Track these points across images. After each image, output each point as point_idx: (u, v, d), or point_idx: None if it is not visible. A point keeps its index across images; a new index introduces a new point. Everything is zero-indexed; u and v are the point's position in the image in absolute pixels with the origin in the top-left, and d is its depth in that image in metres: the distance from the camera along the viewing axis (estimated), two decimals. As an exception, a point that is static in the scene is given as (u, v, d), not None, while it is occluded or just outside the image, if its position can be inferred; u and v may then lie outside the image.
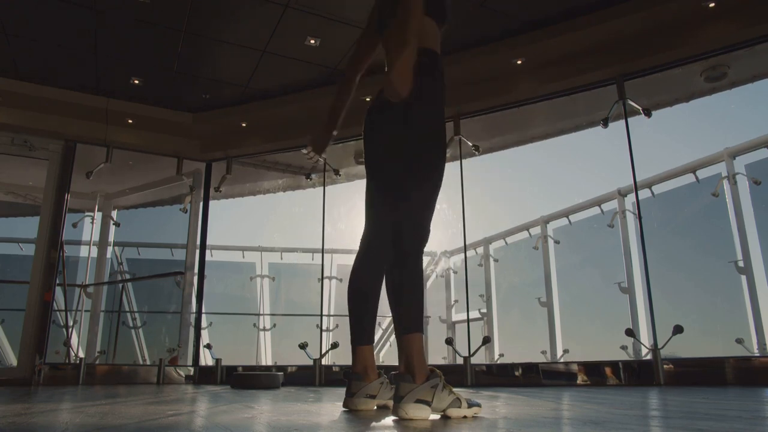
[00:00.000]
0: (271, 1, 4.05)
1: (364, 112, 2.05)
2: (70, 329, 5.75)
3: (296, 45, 4.61)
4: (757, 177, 4.74)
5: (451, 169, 5.21)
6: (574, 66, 4.51)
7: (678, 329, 3.81)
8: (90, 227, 6.43)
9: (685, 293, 5.17)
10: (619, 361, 4.12)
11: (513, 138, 5.74)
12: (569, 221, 6.36)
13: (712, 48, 4.11)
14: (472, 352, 4.51)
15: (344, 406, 1.93)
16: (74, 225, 6.09)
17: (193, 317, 5.77)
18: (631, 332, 4.40)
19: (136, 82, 5.20)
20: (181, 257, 6.05)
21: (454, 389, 1.69)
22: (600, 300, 6.08)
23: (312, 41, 4.55)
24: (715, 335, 4.99)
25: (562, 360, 5.75)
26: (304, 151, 2.25)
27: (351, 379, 1.94)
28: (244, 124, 5.73)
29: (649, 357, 3.95)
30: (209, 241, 6.00)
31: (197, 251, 5.90)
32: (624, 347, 5.08)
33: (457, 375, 4.40)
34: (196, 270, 5.85)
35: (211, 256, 6.58)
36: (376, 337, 5.49)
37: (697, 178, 5.14)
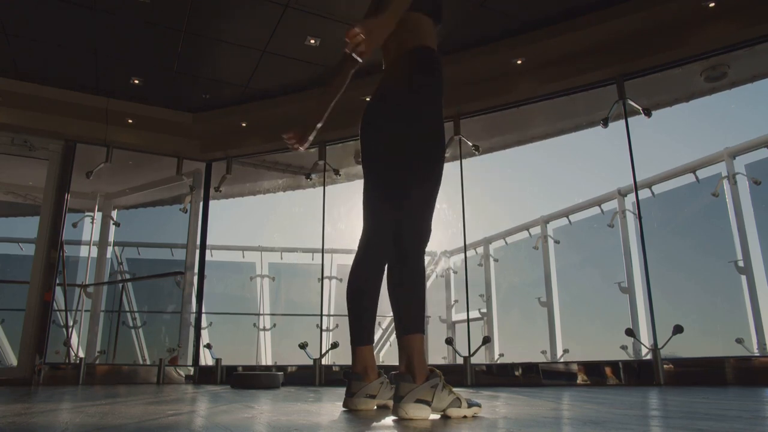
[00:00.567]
0: (271, 1, 4.05)
1: (363, 111, 2.04)
2: (70, 329, 5.75)
3: (296, 45, 4.61)
4: (757, 177, 4.74)
5: (451, 169, 5.22)
6: (574, 66, 4.51)
7: (678, 329, 3.81)
8: (90, 227, 6.43)
9: (685, 293, 5.17)
10: (619, 361, 4.12)
11: (513, 138, 5.74)
12: (569, 221, 6.36)
13: (712, 48, 4.11)
14: (472, 352, 4.51)
15: (344, 406, 1.93)
16: (74, 225, 6.09)
17: (193, 317, 5.77)
18: (631, 332, 4.40)
19: (136, 82, 5.20)
20: (181, 257, 6.05)
21: (454, 389, 1.69)
22: (600, 300, 6.08)
23: (312, 41, 4.55)
24: (715, 335, 4.99)
25: (562, 360, 5.75)
26: (285, 136, 2.20)
27: (351, 379, 1.94)
28: (244, 124, 5.73)
29: (649, 357, 3.95)
30: (209, 241, 6.01)
31: (197, 251, 5.90)
32: (624, 347, 5.08)
33: (457, 375, 4.40)
34: (196, 270, 5.85)
35: (211, 256, 6.59)
36: (376, 337, 5.50)
37: (697, 178, 5.14)
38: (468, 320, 5.13)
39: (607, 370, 4.08)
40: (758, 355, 4.42)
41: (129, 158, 5.90)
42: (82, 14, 4.21)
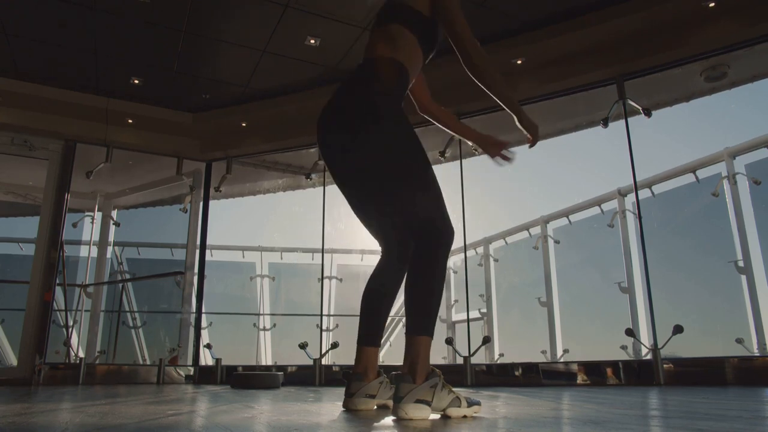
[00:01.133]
0: (271, 1, 4.05)
1: (320, 119, 1.99)
2: (70, 329, 5.75)
3: (296, 45, 4.61)
4: (757, 177, 4.74)
5: (451, 169, 5.22)
6: (574, 66, 4.51)
7: (678, 329, 3.81)
8: (90, 227, 6.43)
9: (685, 293, 5.17)
10: (619, 361, 4.12)
11: (513, 138, 5.72)
12: (569, 221, 6.36)
13: (712, 48, 4.11)
14: (472, 352, 4.51)
15: (344, 406, 1.93)
16: (74, 225, 6.09)
17: (193, 317, 5.77)
18: (631, 332, 4.40)
19: (136, 81, 5.20)
20: (181, 257, 6.05)
21: (454, 389, 1.69)
22: (600, 300, 6.08)
23: (312, 41, 4.55)
24: (715, 335, 4.99)
25: (562, 360, 5.75)
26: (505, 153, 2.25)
27: (351, 380, 1.94)
28: (244, 124, 5.73)
29: (649, 357, 3.95)
30: (209, 241, 6.00)
31: (197, 251, 5.90)
32: (624, 347, 5.08)
33: (457, 375, 4.40)
34: (196, 270, 5.85)
35: (211, 255, 6.58)
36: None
37: (697, 178, 5.14)
38: (468, 320, 5.13)
39: (607, 370, 4.08)
40: (758, 355, 4.42)
41: (129, 158, 5.90)
42: (82, 14, 4.21)
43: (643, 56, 4.28)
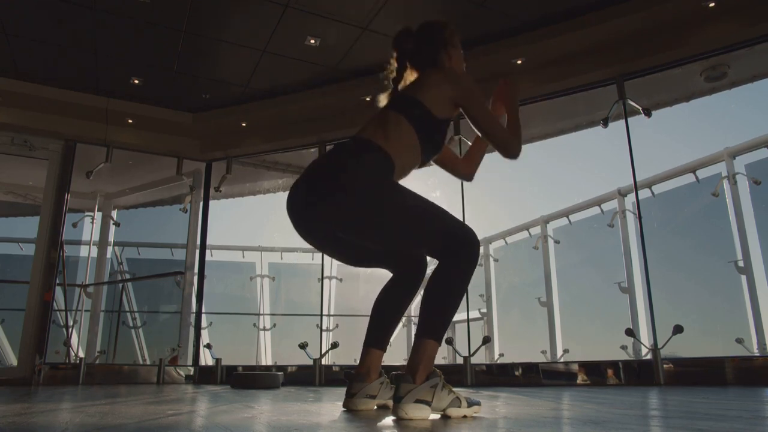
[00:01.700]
0: (271, 1, 4.05)
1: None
2: (70, 329, 5.75)
3: (296, 45, 4.61)
4: (757, 177, 4.74)
5: (451, 169, 5.20)
6: (574, 66, 4.51)
7: (678, 329, 3.81)
8: (90, 227, 6.43)
9: (685, 293, 5.17)
10: (619, 360, 4.12)
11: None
12: (569, 221, 6.36)
13: (712, 48, 4.11)
14: (472, 352, 4.51)
15: (344, 406, 1.93)
16: (74, 225, 6.09)
17: (193, 317, 5.76)
18: (631, 332, 4.40)
19: (136, 81, 5.19)
20: (181, 257, 6.04)
21: (454, 389, 1.69)
22: (600, 300, 6.08)
23: (312, 41, 4.55)
24: (715, 335, 4.99)
25: (562, 360, 5.75)
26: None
27: (352, 380, 1.94)
28: (244, 124, 5.72)
29: (649, 357, 3.95)
30: (209, 241, 6.00)
31: (197, 251, 5.90)
32: (624, 347, 5.08)
33: (457, 375, 4.40)
34: (196, 270, 5.85)
35: (211, 255, 6.58)
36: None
37: (697, 178, 5.14)
38: (468, 320, 5.13)
39: (607, 370, 4.08)
40: (758, 355, 4.42)
41: (129, 158, 5.90)
42: (82, 14, 4.21)
43: (643, 56, 4.28)
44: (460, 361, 4.56)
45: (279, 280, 7.80)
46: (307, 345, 4.98)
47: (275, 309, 7.69)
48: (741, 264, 4.69)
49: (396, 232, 1.79)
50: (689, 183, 5.21)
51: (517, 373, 4.38)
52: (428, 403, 1.59)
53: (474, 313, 6.82)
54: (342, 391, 2.05)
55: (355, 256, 2.02)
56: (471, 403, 1.68)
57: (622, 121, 4.43)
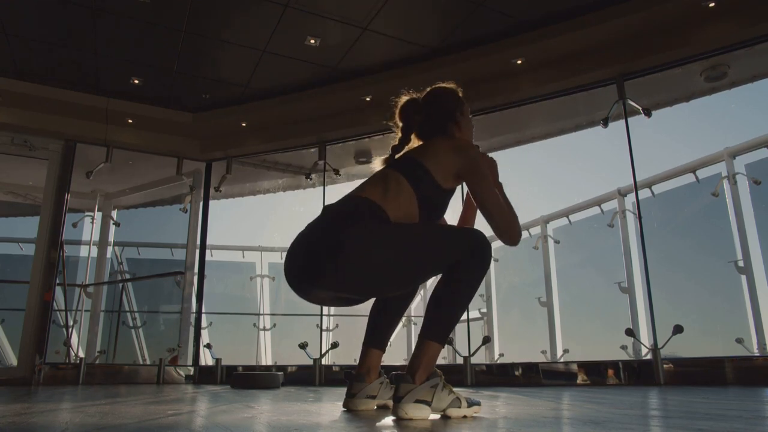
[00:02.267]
0: (270, 1, 4.05)
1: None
2: (70, 329, 5.75)
3: (296, 45, 4.61)
4: (757, 177, 4.74)
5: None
6: (574, 66, 4.51)
7: (678, 329, 3.81)
8: (90, 227, 6.43)
9: (685, 293, 5.17)
10: (619, 360, 4.12)
11: (513, 138, 5.74)
12: (569, 221, 6.36)
13: (712, 48, 4.11)
14: (472, 352, 4.51)
15: (344, 406, 1.93)
16: (74, 225, 6.09)
17: (193, 317, 5.76)
18: (631, 332, 4.40)
19: (136, 81, 5.19)
20: (181, 257, 6.05)
21: (454, 389, 1.69)
22: (600, 300, 6.08)
23: (312, 41, 4.55)
24: (715, 335, 4.99)
25: (562, 360, 5.75)
26: None
27: (352, 380, 1.94)
28: (244, 124, 5.72)
29: (649, 357, 3.95)
30: (209, 241, 6.00)
31: (197, 251, 5.90)
32: (624, 347, 5.08)
33: (457, 375, 4.40)
34: (196, 270, 5.85)
35: (211, 255, 6.59)
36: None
37: (697, 177, 5.14)
38: (468, 320, 5.13)
39: (607, 370, 4.08)
40: (758, 355, 4.42)
41: (129, 158, 5.90)
42: (81, 14, 4.21)
43: (643, 56, 4.28)
44: (460, 361, 4.56)
45: (279, 280, 7.79)
46: (307, 345, 4.98)
47: (275, 309, 7.69)
48: (741, 264, 4.69)
49: (404, 274, 1.73)
50: (689, 183, 5.21)
51: (517, 373, 4.38)
52: (428, 404, 1.59)
53: (474, 313, 6.82)
54: (342, 391, 2.05)
55: (365, 299, 1.95)
56: (471, 403, 1.68)
57: (622, 121, 4.43)
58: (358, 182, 1.88)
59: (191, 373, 5.50)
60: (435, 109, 1.99)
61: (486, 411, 1.80)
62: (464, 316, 5.14)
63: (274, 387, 4.21)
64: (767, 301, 4.54)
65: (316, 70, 5.01)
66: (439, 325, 1.68)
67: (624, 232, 5.57)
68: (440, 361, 6.41)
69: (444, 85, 2.05)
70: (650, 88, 4.63)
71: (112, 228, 6.66)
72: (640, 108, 4.42)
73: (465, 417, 1.63)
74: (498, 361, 6.21)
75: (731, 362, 3.67)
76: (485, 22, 4.36)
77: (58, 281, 5.22)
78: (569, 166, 7.42)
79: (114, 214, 6.73)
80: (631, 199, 5.40)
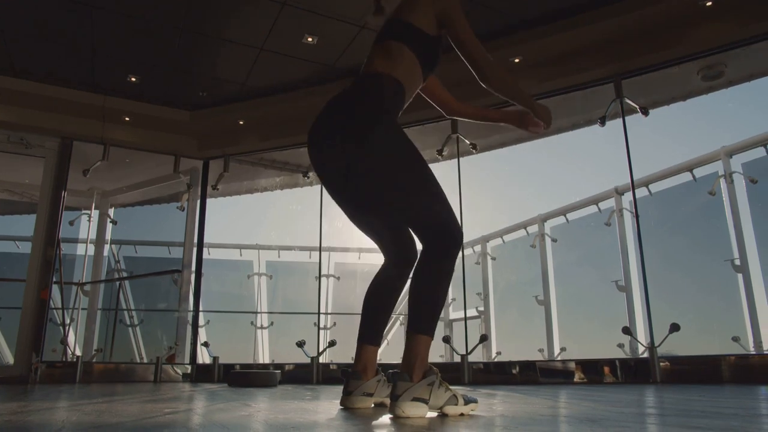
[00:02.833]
0: (268, -1, 4.04)
1: (311, 130, 1.96)
2: (66, 327, 5.73)
3: (294, 43, 4.61)
4: (754, 175, 4.75)
5: (448, 168, 5.22)
6: (572, 64, 4.51)
7: (675, 327, 3.82)
8: (87, 225, 6.42)
9: (681, 291, 5.18)
10: (615, 359, 4.13)
11: (510, 136, 5.75)
12: (566, 219, 6.37)
13: (709, 47, 4.11)
14: (469, 350, 4.52)
15: (341, 404, 1.93)
16: (71, 223, 6.08)
17: (190, 315, 5.76)
18: (627, 330, 4.41)
19: (133, 79, 5.18)
20: (178, 255, 6.04)
21: (451, 387, 1.70)
22: (597, 298, 6.09)
23: (309, 39, 4.54)
24: (712, 333, 5.01)
25: (559, 358, 5.76)
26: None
27: (349, 378, 1.94)
28: (241, 122, 5.72)
29: (645, 355, 3.97)
30: (206, 239, 6.00)
31: (194, 249, 5.89)
32: (621, 345, 5.09)
33: (455, 373, 4.41)
34: (193, 268, 5.85)
35: (209, 254, 6.57)
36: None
37: (694, 176, 5.15)
38: (465, 318, 5.13)
39: (604, 368, 4.09)
40: (754, 353, 4.44)
41: (126, 156, 5.88)
42: (79, 12, 4.20)
43: (640, 55, 4.28)
44: (457, 359, 4.57)
45: (276, 279, 7.79)
46: (304, 343, 4.98)
47: (273, 307, 7.68)
48: (737, 262, 4.71)
49: (406, 190, 1.78)
50: (686, 182, 5.22)
51: (514, 371, 4.39)
52: (425, 401, 1.59)
53: (471, 312, 6.83)
54: (339, 389, 2.05)
55: (356, 205, 1.96)
56: (468, 401, 1.68)
57: (620, 120, 4.43)
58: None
59: (188, 371, 5.50)
60: None
61: (483, 409, 1.80)
62: (461, 315, 5.15)
63: (272, 385, 4.21)
64: (763, 300, 4.56)
65: (314, 68, 5.00)
66: (425, 317, 1.71)
67: (621, 231, 5.58)
68: (437, 359, 6.45)
69: None
70: (647, 87, 4.64)
71: (109, 226, 6.65)
72: (637, 107, 4.42)
73: (462, 414, 1.63)
74: (495, 360, 6.22)
75: (727, 360, 3.69)
76: (483, 20, 4.36)
77: (54, 279, 5.21)
78: (567, 165, 7.43)
79: (111, 212, 6.72)
80: (628, 197, 5.42)
